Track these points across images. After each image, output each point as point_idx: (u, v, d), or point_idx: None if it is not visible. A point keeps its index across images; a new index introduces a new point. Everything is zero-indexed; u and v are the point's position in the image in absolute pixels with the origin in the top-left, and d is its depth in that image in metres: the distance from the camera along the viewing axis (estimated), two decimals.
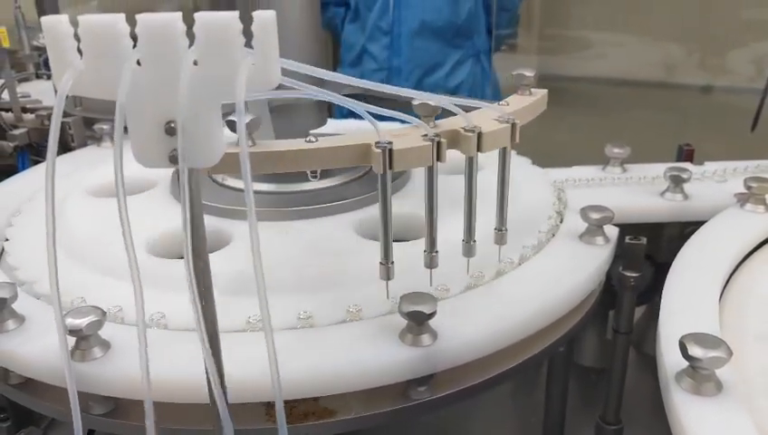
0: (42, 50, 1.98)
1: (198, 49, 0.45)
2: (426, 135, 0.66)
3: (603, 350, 1.24)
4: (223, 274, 0.71)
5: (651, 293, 1.14)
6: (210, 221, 0.74)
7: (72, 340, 0.65)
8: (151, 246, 0.84)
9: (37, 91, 1.67)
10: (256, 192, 0.93)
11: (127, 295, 0.73)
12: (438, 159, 0.66)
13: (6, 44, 1.38)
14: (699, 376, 0.58)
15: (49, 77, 1.83)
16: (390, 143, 0.63)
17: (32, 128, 1.37)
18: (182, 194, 0.48)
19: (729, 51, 2.56)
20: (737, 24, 2.47)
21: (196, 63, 0.45)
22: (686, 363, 0.60)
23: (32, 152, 1.40)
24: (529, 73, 0.80)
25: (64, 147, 1.34)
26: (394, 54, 2.07)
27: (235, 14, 0.45)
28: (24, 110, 1.45)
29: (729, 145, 1.32)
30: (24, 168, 1.36)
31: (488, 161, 0.77)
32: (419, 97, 0.66)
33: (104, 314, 0.65)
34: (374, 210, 0.76)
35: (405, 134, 0.67)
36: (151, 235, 0.84)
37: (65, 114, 1.30)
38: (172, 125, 0.47)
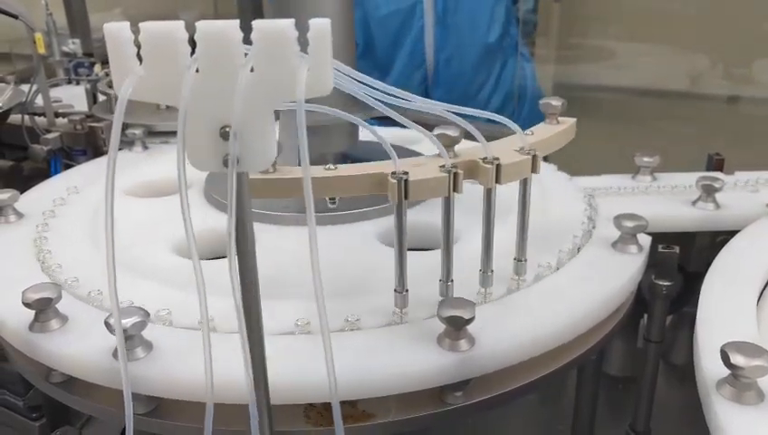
0: (71, 56, 2.02)
1: (255, 56, 0.46)
2: (443, 166, 0.66)
3: (630, 359, 1.24)
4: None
5: (680, 302, 1.14)
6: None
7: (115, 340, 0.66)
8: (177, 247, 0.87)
9: (68, 96, 1.71)
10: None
11: (163, 296, 0.75)
12: (455, 189, 0.66)
13: (42, 50, 1.40)
14: (741, 384, 0.58)
15: (78, 82, 1.86)
16: (406, 174, 0.64)
17: (64, 132, 1.39)
18: (229, 196, 0.48)
19: (754, 61, 2.54)
20: (761, 34, 2.46)
21: (252, 70, 0.46)
22: (726, 372, 0.60)
23: (63, 156, 1.42)
24: (556, 103, 0.80)
25: (96, 151, 1.37)
26: (433, 87, 1.97)
27: (291, 21, 0.46)
28: (57, 114, 1.48)
29: (756, 155, 1.30)
30: (56, 171, 1.38)
31: None
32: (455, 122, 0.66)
33: (148, 314, 0.66)
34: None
35: (422, 164, 0.67)
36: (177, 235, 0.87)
37: (98, 119, 1.33)
38: (227, 130, 0.48)
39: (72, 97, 1.68)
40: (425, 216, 0.88)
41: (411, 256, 0.70)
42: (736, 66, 2.61)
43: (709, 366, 0.63)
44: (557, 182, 1.08)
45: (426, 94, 1.96)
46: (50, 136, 1.36)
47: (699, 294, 0.93)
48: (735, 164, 1.21)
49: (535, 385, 0.74)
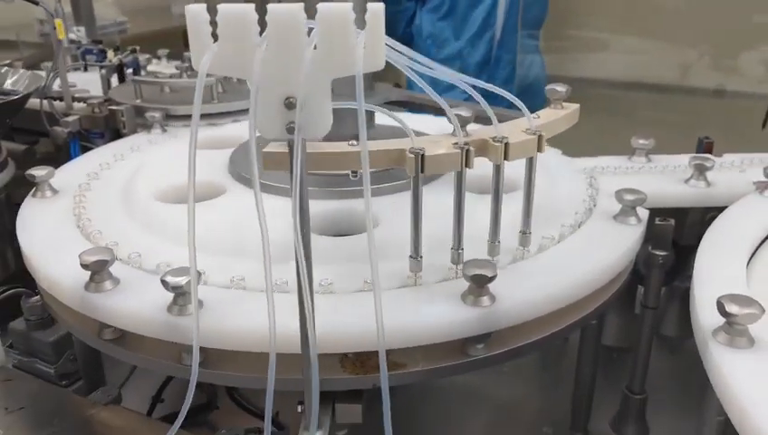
0: (77, 43, 2.06)
1: (319, 35, 0.53)
2: (456, 143, 0.72)
3: (625, 331, 1.31)
4: None
5: (671, 275, 1.22)
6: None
7: (169, 296, 0.73)
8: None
9: (78, 81, 1.75)
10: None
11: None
12: (467, 165, 0.72)
13: (62, 36, 1.45)
14: (734, 331, 0.66)
15: (86, 68, 1.90)
16: (423, 149, 0.70)
17: (83, 115, 1.44)
18: (295, 162, 0.55)
19: (741, 54, 2.63)
20: (750, 27, 2.54)
21: (315, 48, 0.53)
22: (721, 322, 0.67)
23: (81, 139, 1.48)
24: (561, 89, 0.87)
25: (116, 133, 1.42)
26: (500, 47, 2.27)
27: (350, 5, 0.52)
28: (73, 99, 1.53)
29: (742, 148, 1.37)
30: (75, 153, 1.44)
31: None
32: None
33: (199, 274, 0.72)
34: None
35: (437, 141, 0.73)
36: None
37: (117, 103, 1.38)
38: (291, 100, 0.54)
39: (83, 83, 1.73)
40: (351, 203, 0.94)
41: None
42: (723, 60, 2.69)
43: (706, 317, 0.70)
44: (559, 162, 1.16)
45: (490, 54, 2.29)
46: (69, 119, 1.42)
47: (689, 268, 1.01)
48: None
49: (548, 340, 0.81)
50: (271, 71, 0.54)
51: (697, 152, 1.28)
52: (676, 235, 1.10)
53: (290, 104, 0.55)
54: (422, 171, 0.71)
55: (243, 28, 0.53)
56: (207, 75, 0.55)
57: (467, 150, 0.72)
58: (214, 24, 0.54)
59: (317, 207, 0.91)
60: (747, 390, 0.61)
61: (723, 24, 2.55)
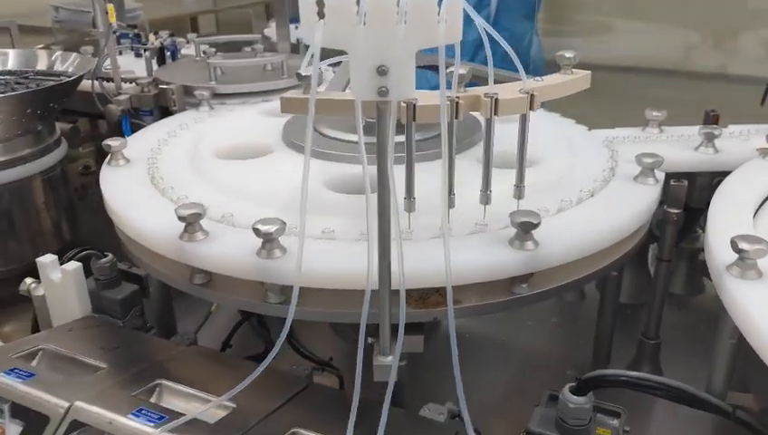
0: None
1: (408, 12, 0.64)
2: (448, 96, 0.79)
3: (637, 289, 1.43)
4: None
5: (679, 236, 1.33)
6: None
7: (253, 243, 0.84)
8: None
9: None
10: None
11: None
12: (456, 117, 0.80)
13: (113, 20, 1.55)
14: (745, 265, 0.78)
15: (123, 51, 2.00)
16: (415, 99, 0.78)
17: (133, 94, 1.55)
18: (391, 121, 0.67)
19: (740, 36, 2.73)
20: (745, 12, 2.65)
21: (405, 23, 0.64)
22: (734, 258, 0.79)
23: (131, 116, 1.58)
24: (569, 55, 0.93)
25: (165, 111, 1.53)
26: (494, 26, 2.37)
27: None
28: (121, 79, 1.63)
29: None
30: (127, 128, 1.54)
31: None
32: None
33: (284, 223, 0.84)
34: None
35: (433, 95, 0.80)
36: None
37: (166, 82, 1.49)
38: (384, 68, 0.66)
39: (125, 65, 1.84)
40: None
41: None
42: (725, 41, 2.79)
43: (720, 256, 0.82)
44: (580, 133, 1.28)
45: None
46: (121, 98, 1.52)
47: (695, 230, 1.14)
48: None
49: (580, 282, 0.93)
50: (368, 43, 0.65)
51: (704, 123, 1.40)
52: (687, 197, 1.21)
53: (382, 71, 0.66)
54: (414, 120, 0.78)
55: (346, 8, 0.64)
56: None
57: (457, 103, 0.79)
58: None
59: (348, 169, 1.03)
60: (758, 312, 0.73)
61: (723, 7, 2.65)
